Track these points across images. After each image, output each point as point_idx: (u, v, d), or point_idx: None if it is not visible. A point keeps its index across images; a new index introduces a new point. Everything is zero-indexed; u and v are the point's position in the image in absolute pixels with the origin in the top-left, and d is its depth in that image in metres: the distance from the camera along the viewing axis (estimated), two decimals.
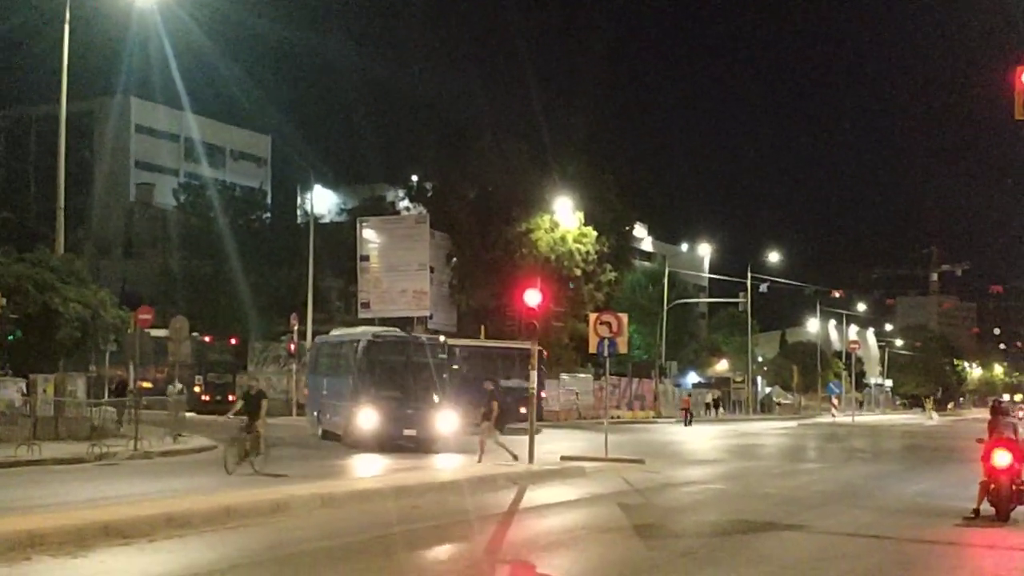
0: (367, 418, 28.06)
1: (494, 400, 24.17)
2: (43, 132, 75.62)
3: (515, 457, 23.32)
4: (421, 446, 28.45)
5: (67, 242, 32.75)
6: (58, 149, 31.62)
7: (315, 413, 33.47)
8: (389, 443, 28.17)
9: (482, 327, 49.95)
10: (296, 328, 46.61)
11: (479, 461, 23.43)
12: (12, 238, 45.79)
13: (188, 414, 33.26)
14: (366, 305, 53.87)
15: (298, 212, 75.07)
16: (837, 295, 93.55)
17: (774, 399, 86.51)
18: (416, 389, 28.90)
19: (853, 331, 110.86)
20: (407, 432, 28.43)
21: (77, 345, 29.38)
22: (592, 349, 27.01)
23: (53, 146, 34.34)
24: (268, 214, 71.81)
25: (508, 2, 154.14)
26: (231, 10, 76.92)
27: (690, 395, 63.18)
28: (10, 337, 27.61)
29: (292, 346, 46.41)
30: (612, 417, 49.58)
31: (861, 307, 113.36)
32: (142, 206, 77.18)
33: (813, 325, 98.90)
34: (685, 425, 53.40)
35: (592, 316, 28.00)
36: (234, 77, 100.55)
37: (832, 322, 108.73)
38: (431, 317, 52.78)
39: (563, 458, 25.94)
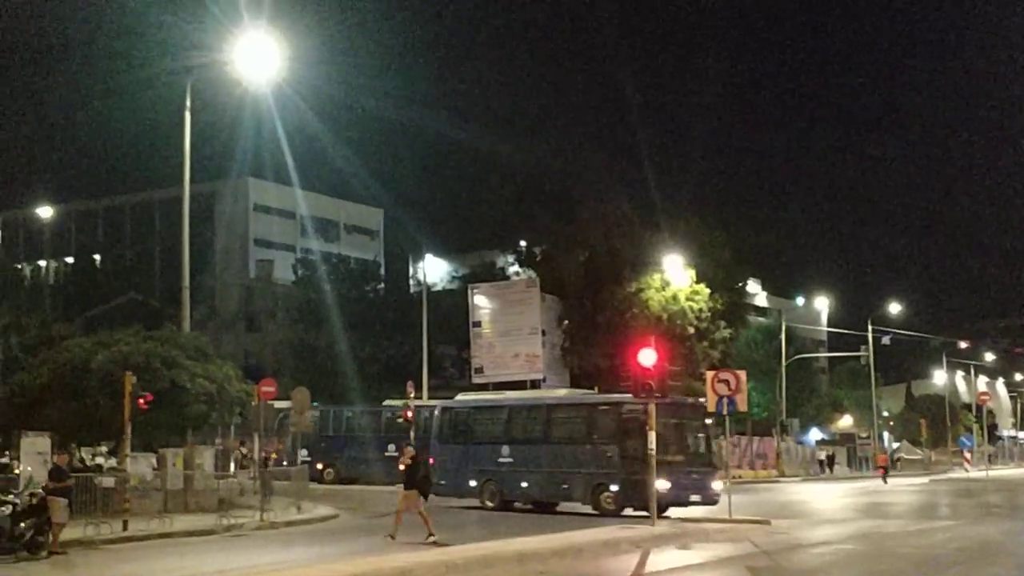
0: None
1: (415, 468, 22.12)
2: (167, 215, 78.69)
3: (431, 536, 20.86)
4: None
5: (192, 319, 33.82)
6: (182, 231, 32.81)
7: (479, 483, 30.94)
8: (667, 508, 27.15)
9: (596, 388, 49.67)
10: (413, 395, 47.05)
11: (392, 537, 21.14)
12: (140, 317, 47.43)
13: (311, 484, 33.69)
14: (480, 370, 54.19)
15: (411, 281, 76.18)
16: (964, 345, 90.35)
17: (898, 455, 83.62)
18: (693, 453, 28.35)
19: (982, 382, 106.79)
20: (693, 498, 27.75)
21: (204, 419, 30.17)
22: (711, 407, 26.63)
23: (176, 228, 35.62)
24: (382, 285, 73.05)
25: (615, 66, 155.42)
26: (338, 91, 79.44)
27: (885, 451, 62.75)
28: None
29: (409, 414, 46.83)
30: (734, 477, 48.60)
31: (989, 357, 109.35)
32: (262, 282, 79.31)
33: (940, 377, 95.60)
34: (883, 482, 54.05)
35: (709, 374, 27.68)
36: (344, 153, 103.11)
37: (960, 373, 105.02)
38: (544, 380, 52.75)
39: (685, 520, 25.49)
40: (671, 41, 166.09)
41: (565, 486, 29.41)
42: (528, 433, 31.01)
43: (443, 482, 30.84)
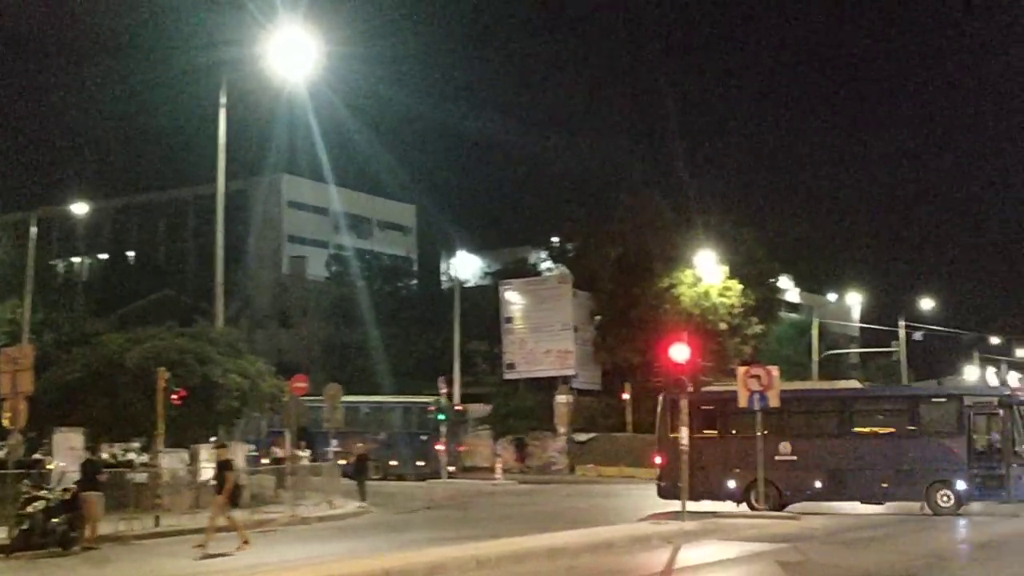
0: None
1: (228, 471, 20.57)
2: (200, 211, 79.19)
3: (246, 542, 19.94)
4: None
5: (225, 315, 34.00)
6: (216, 227, 32.96)
7: (742, 484, 27.83)
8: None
9: (627, 384, 49.60)
10: (444, 391, 47.18)
11: (203, 547, 19.54)
12: (173, 314, 47.81)
13: (343, 479, 33.82)
14: (511, 366, 54.21)
15: (443, 277, 76.30)
16: (995, 341, 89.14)
17: None
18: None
19: (1015, 378, 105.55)
20: None
21: (236, 415, 30.32)
22: (743, 403, 26.44)
23: (210, 224, 35.78)
24: (414, 281, 73.20)
25: (646, 60, 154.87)
26: (372, 87, 79.66)
27: None
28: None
29: (458, 406, 46.74)
30: None
31: (1021, 353, 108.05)
32: (295, 278, 79.71)
33: (972, 373, 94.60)
34: None
35: (740, 370, 27.45)
36: (378, 149, 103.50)
37: (992, 369, 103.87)
38: (576, 376, 52.69)
39: (715, 515, 25.36)
40: (706, 37, 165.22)
41: (885, 485, 27.12)
42: (820, 427, 28.59)
43: (680, 484, 27.34)
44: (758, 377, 26.11)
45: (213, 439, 28.86)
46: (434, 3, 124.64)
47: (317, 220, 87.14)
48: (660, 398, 29.33)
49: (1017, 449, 26.18)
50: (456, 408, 46.55)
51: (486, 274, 70.81)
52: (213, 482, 21.08)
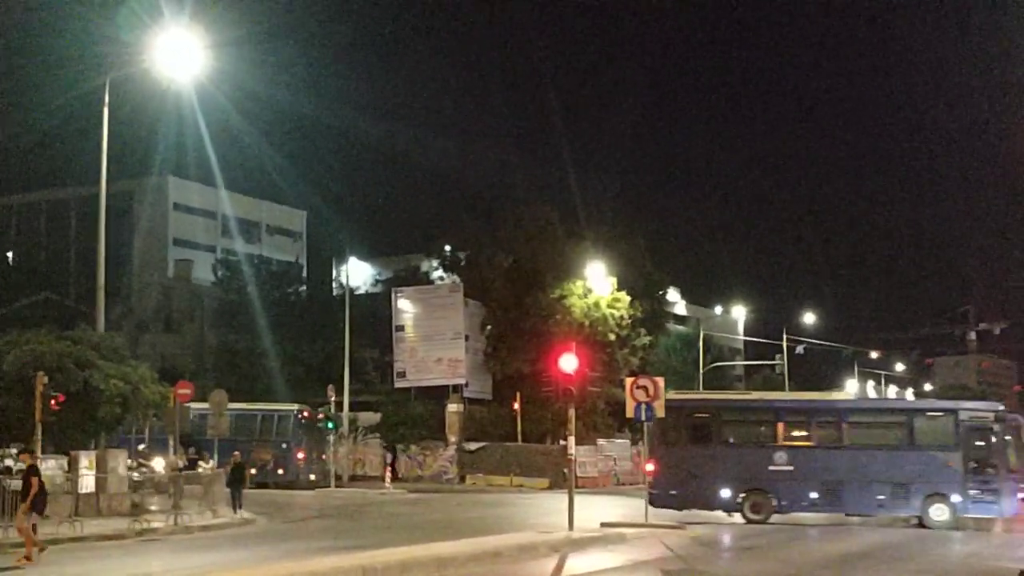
0: None
1: (33, 476, 19.72)
2: (83, 213, 76.93)
3: (39, 550, 19.30)
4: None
5: (107, 319, 33.14)
6: (98, 229, 32.14)
7: (736, 493, 28.18)
8: None
9: (518, 393, 49.88)
10: (333, 399, 46.79)
11: (26, 560, 18.91)
12: (53, 317, 46.39)
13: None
14: (402, 374, 54.01)
15: (334, 284, 75.60)
16: (875, 356, 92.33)
17: None
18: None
19: (892, 392, 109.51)
20: None
21: (118, 420, 29.62)
22: (630, 414, 26.86)
23: (93, 226, 34.88)
24: (304, 287, 72.32)
25: (535, 71, 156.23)
26: (263, 90, 78.49)
27: None
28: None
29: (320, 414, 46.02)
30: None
31: (900, 367, 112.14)
32: (180, 282, 78.07)
33: (852, 386, 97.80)
34: None
35: (628, 380, 27.90)
36: (267, 154, 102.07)
37: (871, 383, 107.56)
38: (467, 385, 52.77)
39: (603, 524, 25.73)
40: (592, 47, 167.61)
41: (881, 497, 27.39)
42: (816, 438, 28.52)
43: (674, 492, 28.24)
44: (645, 388, 26.54)
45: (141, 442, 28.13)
46: (328, 8, 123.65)
47: (205, 224, 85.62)
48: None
49: (1010, 464, 26.96)
50: (318, 416, 46.30)
51: (377, 281, 70.42)
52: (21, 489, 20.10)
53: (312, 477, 43.87)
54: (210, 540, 23.83)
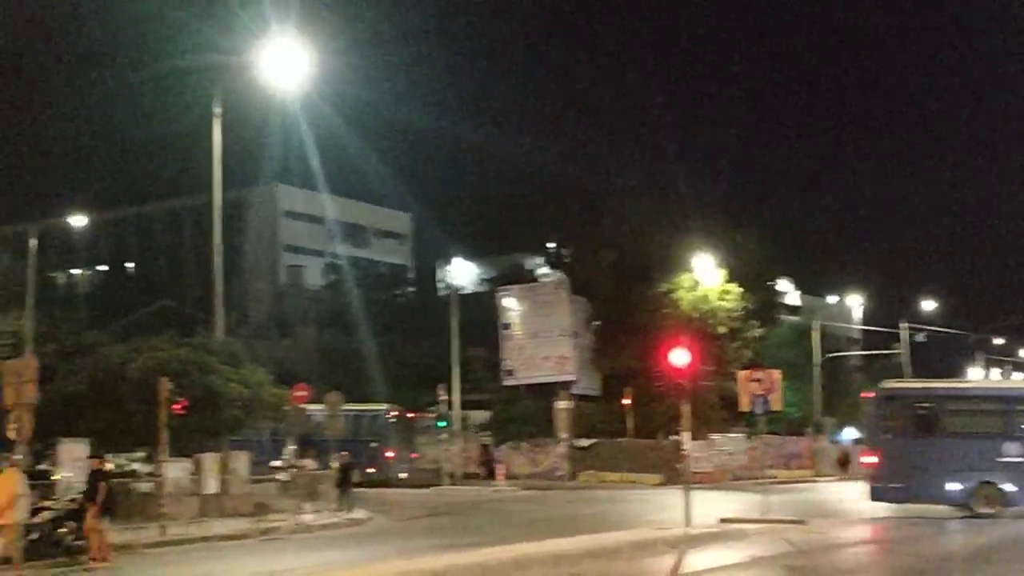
0: None
1: (101, 481, 19.95)
2: (196, 222, 79.28)
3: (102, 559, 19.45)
4: None
5: (224, 325, 33.98)
6: (212, 237, 32.97)
7: (968, 486, 26.55)
8: None
9: (627, 389, 49.58)
10: (444, 399, 47.23)
11: (93, 561, 19.31)
12: (173, 324, 47.79)
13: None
14: (510, 372, 54.16)
15: (440, 285, 76.33)
16: (999, 342, 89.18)
17: None
18: None
19: (1019, 378, 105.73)
20: None
21: (239, 424, 30.36)
22: (744, 407, 26.53)
23: (207, 234, 35.79)
24: (411, 288, 73.21)
25: (641, 65, 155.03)
26: (365, 95, 79.80)
27: None
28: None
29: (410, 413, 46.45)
30: (769, 476, 48.37)
31: None
32: (293, 288, 79.75)
33: (975, 374, 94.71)
34: None
35: (741, 374, 27.54)
36: (372, 158, 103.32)
37: (996, 371, 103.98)
38: (576, 381, 52.64)
39: (722, 520, 25.37)
40: (700, 36, 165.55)
41: None
42: None
43: (897, 485, 26.92)
44: (760, 380, 26.17)
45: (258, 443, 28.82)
46: (428, 14, 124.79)
47: (313, 229, 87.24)
48: (871, 396, 28.45)
49: None
50: (408, 415, 46.79)
51: (483, 281, 70.84)
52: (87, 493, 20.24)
53: (402, 475, 44.46)
54: (330, 539, 24.27)
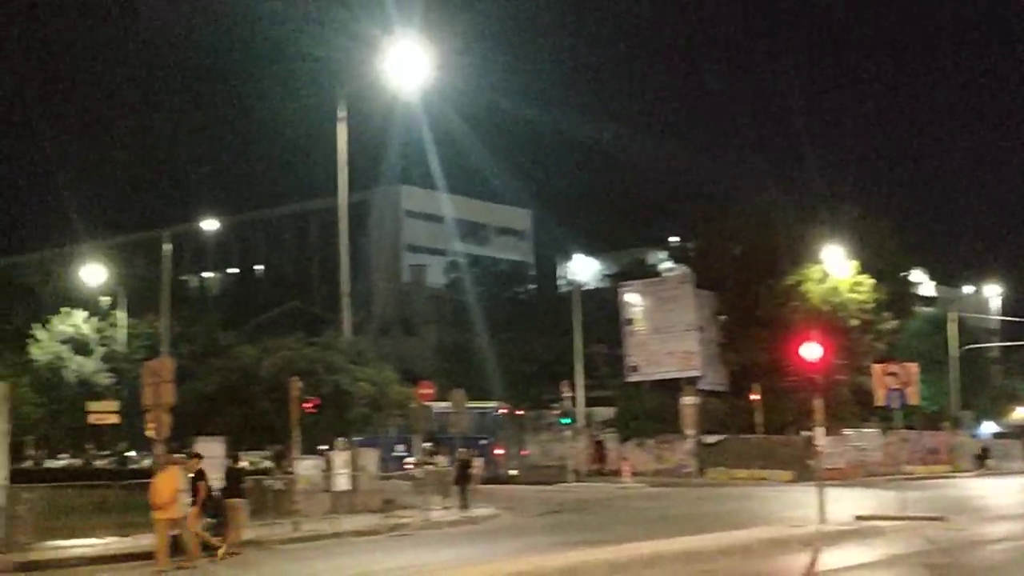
0: None
1: (200, 482, 19.90)
2: (322, 223, 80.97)
3: (216, 551, 19.64)
4: None
5: (351, 324, 34.53)
6: (338, 238, 33.53)
7: None
8: None
9: (756, 384, 48.66)
10: (567, 395, 47.11)
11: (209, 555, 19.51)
12: (301, 324, 48.84)
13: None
14: (634, 368, 53.69)
15: (561, 281, 76.24)
16: None
17: None
18: None
19: None
20: None
21: (367, 421, 30.80)
22: (879, 401, 25.68)
23: (332, 236, 36.39)
24: (532, 285, 73.34)
25: (769, 57, 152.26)
26: (483, 94, 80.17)
27: None
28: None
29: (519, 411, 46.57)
30: (905, 472, 46.84)
31: None
32: (416, 286, 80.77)
33: None
34: None
35: (876, 367, 26.67)
36: (490, 155, 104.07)
37: None
38: (703, 377, 51.88)
39: (858, 517, 24.60)
40: (827, 26, 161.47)
41: None
42: None
43: None
44: (895, 374, 25.31)
45: (341, 439, 29.27)
46: (543, 14, 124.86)
47: (434, 228, 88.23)
48: None
49: None
50: (517, 412, 46.71)
51: (604, 276, 70.49)
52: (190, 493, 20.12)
53: (512, 472, 44.46)
54: (457, 535, 24.37)
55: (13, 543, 19.87)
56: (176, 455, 21.17)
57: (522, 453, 46.46)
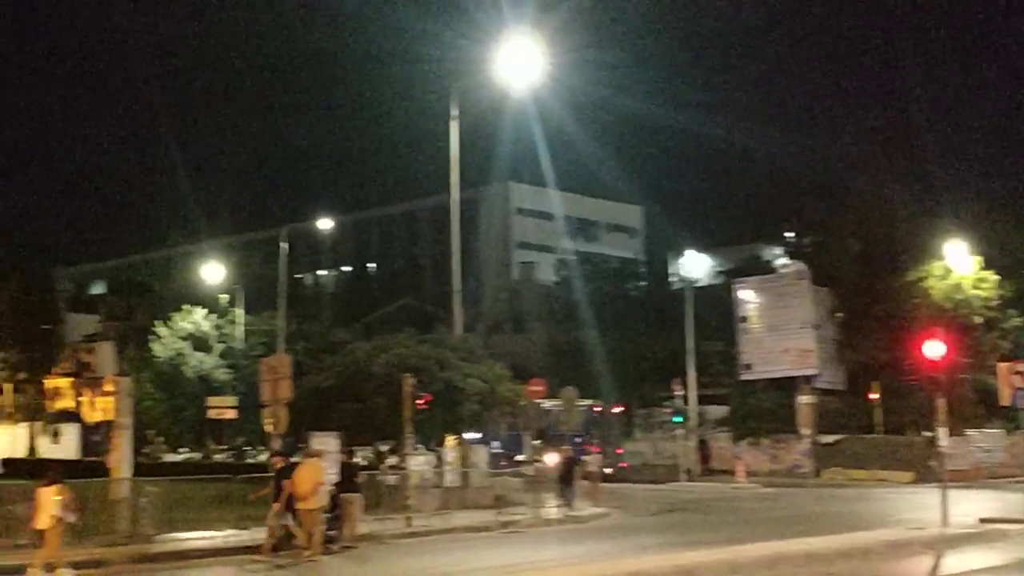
0: None
1: (284, 479, 19.66)
2: (432, 221, 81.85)
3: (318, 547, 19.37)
4: None
5: (462, 322, 34.75)
6: (450, 236, 33.76)
7: None
8: None
9: (875, 383, 47.41)
10: (679, 393, 46.61)
11: (266, 552, 19.32)
12: (413, 321, 49.42)
13: (583, 482, 33.81)
14: (748, 367, 52.76)
15: (672, 278, 75.48)
16: None
17: None
18: None
19: None
20: None
21: (477, 418, 30.97)
22: (1005, 401, 24.79)
23: (443, 234, 36.70)
24: (643, 282, 72.74)
25: (888, 49, 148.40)
26: (592, 89, 79.86)
27: None
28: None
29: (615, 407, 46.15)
30: None
31: None
32: (526, 284, 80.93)
33: None
34: None
35: (1002, 366, 25.72)
36: (600, 152, 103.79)
37: None
38: (819, 375, 50.74)
39: (983, 520, 23.73)
40: (948, 15, 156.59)
41: None
42: None
43: None
44: (1022, 373, 24.35)
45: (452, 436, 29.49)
46: (655, 10, 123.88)
47: (543, 225, 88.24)
48: None
49: None
50: (613, 410, 46.16)
51: (718, 273, 69.53)
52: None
53: (607, 470, 44.03)
54: (567, 532, 24.33)
55: (136, 535, 20.48)
56: (317, 448, 21.49)
57: (617, 452, 46.08)
